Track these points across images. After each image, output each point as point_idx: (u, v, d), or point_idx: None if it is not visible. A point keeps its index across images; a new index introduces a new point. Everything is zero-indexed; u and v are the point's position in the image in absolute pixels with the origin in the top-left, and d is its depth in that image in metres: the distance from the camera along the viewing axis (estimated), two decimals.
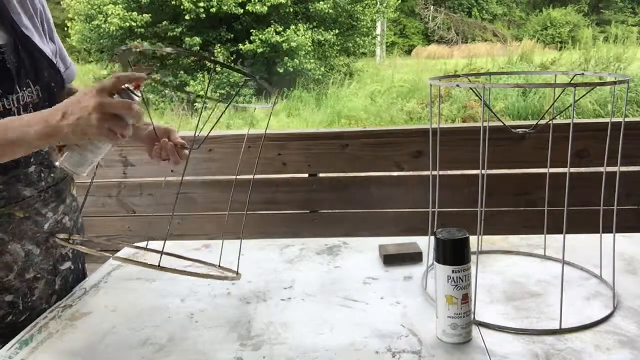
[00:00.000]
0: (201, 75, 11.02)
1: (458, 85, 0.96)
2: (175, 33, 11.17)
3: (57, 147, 0.93)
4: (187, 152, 1.12)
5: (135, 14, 11.04)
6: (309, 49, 11.20)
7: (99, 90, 0.85)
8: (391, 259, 1.24)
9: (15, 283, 1.06)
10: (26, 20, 1.08)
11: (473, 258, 0.91)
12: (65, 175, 1.18)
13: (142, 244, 1.42)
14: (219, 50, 11.19)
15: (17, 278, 1.06)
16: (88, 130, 0.84)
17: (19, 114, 1.02)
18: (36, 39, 1.08)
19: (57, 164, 0.92)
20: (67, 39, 11.83)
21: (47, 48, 1.11)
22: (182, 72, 11.21)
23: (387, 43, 17.80)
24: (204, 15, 11.06)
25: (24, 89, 1.03)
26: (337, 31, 12.09)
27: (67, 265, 1.18)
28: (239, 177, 2.12)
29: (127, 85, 0.88)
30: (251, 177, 2.16)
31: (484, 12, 22.83)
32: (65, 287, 1.17)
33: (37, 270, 1.09)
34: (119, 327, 0.99)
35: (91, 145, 0.91)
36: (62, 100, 0.91)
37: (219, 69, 11.02)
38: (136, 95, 0.90)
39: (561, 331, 0.92)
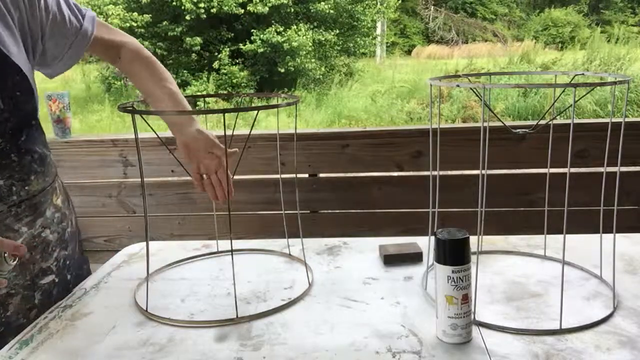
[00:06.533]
0: (204, 75, 11.01)
1: (458, 85, 0.96)
2: (175, 33, 11.17)
3: None
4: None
5: (135, 14, 11.04)
6: (310, 48, 11.20)
7: None
8: (391, 259, 1.24)
9: None
10: None
11: (473, 258, 0.91)
12: (45, 187, 1.12)
13: (142, 244, 1.43)
14: (223, 50, 11.18)
15: None
16: None
17: None
18: (4, 43, 0.98)
19: None
20: None
21: (17, 52, 1.00)
22: (184, 71, 11.19)
23: (387, 43, 17.79)
24: (204, 15, 11.06)
25: None
26: (338, 31, 12.09)
27: (49, 278, 1.13)
28: (242, 177, 2.12)
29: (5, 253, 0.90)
30: (252, 177, 2.17)
31: (487, 11, 22.85)
32: (49, 300, 1.12)
33: (10, 286, 1.04)
34: (118, 327, 0.99)
35: None
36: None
37: (222, 70, 11.03)
38: (8, 262, 0.90)
39: (561, 331, 0.92)
